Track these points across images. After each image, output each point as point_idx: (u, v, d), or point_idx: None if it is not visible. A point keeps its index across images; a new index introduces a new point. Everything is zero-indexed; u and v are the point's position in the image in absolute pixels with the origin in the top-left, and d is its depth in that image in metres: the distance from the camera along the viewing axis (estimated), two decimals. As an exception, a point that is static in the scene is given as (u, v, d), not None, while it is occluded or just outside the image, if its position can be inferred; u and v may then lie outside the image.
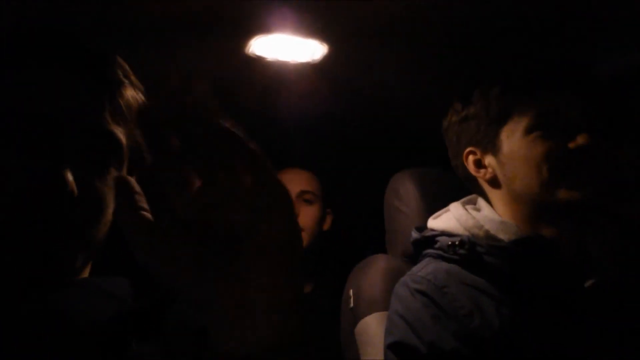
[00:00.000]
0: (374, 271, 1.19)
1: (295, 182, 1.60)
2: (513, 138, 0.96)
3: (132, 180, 0.40)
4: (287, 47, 1.11)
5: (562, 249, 0.93)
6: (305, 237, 1.54)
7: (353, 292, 1.20)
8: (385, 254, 1.27)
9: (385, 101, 1.42)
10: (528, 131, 0.94)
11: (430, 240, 1.02)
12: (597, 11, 1.02)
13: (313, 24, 1.04)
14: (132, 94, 0.70)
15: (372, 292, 1.15)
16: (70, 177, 0.59)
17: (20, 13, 0.91)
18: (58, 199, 0.59)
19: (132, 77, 0.72)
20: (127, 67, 0.72)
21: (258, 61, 1.16)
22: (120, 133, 0.67)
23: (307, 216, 1.59)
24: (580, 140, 0.91)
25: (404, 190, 1.25)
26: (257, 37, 1.07)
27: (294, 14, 1.00)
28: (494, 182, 1.01)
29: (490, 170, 1.01)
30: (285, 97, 1.34)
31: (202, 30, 1.04)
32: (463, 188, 1.10)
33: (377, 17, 1.03)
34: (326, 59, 1.16)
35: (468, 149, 1.03)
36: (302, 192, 1.60)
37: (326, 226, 1.67)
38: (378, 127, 1.58)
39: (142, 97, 0.72)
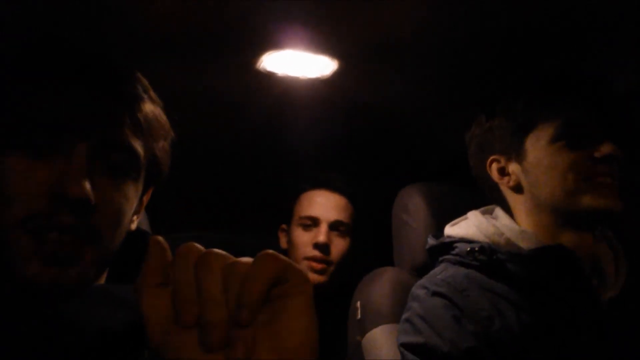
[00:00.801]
0: (382, 283, 1.20)
1: (330, 208, 1.49)
2: (538, 146, 0.97)
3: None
4: (298, 62, 1.14)
5: (582, 258, 0.94)
6: (332, 270, 1.46)
7: (360, 304, 1.20)
8: (392, 266, 1.28)
9: (394, 116, 1.43)
10: (553, 140, 0.96)
11: (447, 246, 1.03)
12: (611, 25, 1.04)
13: (323, 40, 1.06)
14: (151, 109, 0.72)
15: (380, 304, 1.16)
16: (88, 187, 0.61)
17: (43, 28, 0.94)
18: (76, 206, 0.60)
19: (151, 93, 0.74)
20: (146, 83, 0.74)
21: (269, 76, 1.18)
22: (138, 146, 0.68)
23: (338, 249, 1.47)
24: (605, 149, 0.92)
25: (412, 205, 1.25)
26: (269, 52, 1.09)
27: (305, 30, 1.03)
28: (518, 189, 1.02)
29: (514, 177, 1.02)
30: (295, 112, 1.35)
31: (215, 45, 1.06)
32: (471, 202, 1.11)
33: (386, 34, 1.05)
34: (336, 75, 1.18)
35: (492, 157, 1.05)
36: (337, 223, 1.48)
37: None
38: (386, 142, 1.59)
39: (161, 112, 0.75)
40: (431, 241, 1.07)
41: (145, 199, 0.78)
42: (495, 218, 1.04)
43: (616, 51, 1.13)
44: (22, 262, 0.60)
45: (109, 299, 0.66)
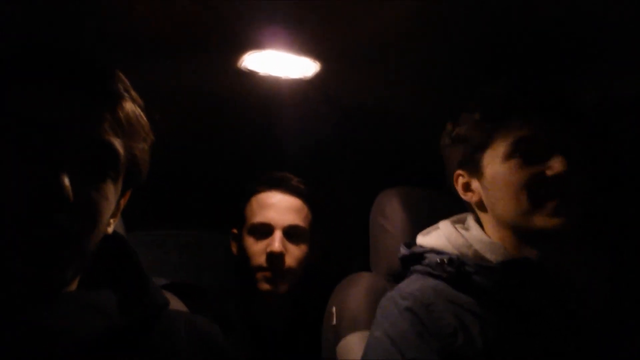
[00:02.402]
0: (357, 289, 1.19)
1: (284, 211, 1.38)
2: (494, 164, 0.97)
3: None
4: (280, 63, 1.12)
5: (548, 271, 0.95)
6: (290, 280, 1.37)
7: (336, 309, 1.20)
8: (369, 272, 1.28)
9: (375, 119, 1.43)
10: (507, 157, 0.95)
11: (418, 256, 1.03)
12: (584, 41, 1.05)
13: (306, 41, 1.05)
14: (132, 109, 0.71)
15: (355, 310, 1.15)
16: (67, 183, 0.60)
17: (26, 28, 0.91)
18: (53, 205, 0.59)
19: (132, 92, 0.73)
20: (127, 82, 0.73)
21: (250, 76, 1.16)
22: (118, 145, 0.67)
23: (294, 257, 1.37)
24: (557, 166, 0.91)
25: (390, 209, 1.25)
26: (250, 52, 1.07)
27: (287, 31, 1.02)
28: (480, 206, 1.02)
29: (477, 193, 1.02)
30: (276, 112, 1.34)
31: (196, 44, 1.04)
32: (449, 207, 1.11)
33: (368, 37, 1.04)
34: (318, 76, 1.18)
35: (457, 172, 1.05)
36: (293, 228, 1.38)
37: (314, 259, 1.45)
38: (366, 145, 1.59)
39: (141, 112, 0.73)
40: (403, 250, 1.07)
41: (123, 201, 0.77)
42: (467, 229, 1.04)
43: (586, 65, 1.14)
44: (1, 260, 0.58)
45: (85, 306, 0.65)
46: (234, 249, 1.48)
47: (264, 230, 1.37)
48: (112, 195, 0.68)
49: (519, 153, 0.94)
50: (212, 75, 1.17)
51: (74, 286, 0.69)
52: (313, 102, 1.31)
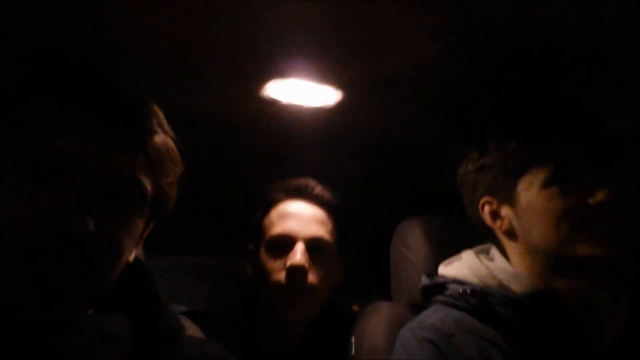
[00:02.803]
0: (377, 319, 1.18)
1: (307, 222, 1.23)
2: (530, 191, 0.95)
3: None
4: (302, 91, 1.14)
5: (576, 306, 0.92)
6: (308, 304, 1.19)
7: (355, 339, 1.17)
8: (390, 301, 1.26)
9: (397, 148, 1.43)
10: (546, 185, 0.93)
11: (440, 286, 1.01)
12: (613, 68, 1.04)
13: (328, 70, 1.06)
14: (164, 143, 0.71)
15: (375, 340, 1.13)
16: (89, 217, 0.59)
17: (58, 53, 0.94)
18: (75, 238, 0.59)
19: (165, 126, 0.73)
20: (161, 116, 0.73)
21: (272, 104, 1.17)
22: (146, 181, 0.67)
23: (315, 274, 1.19)
24: (600, 196, 0.90)
25: (412, 238, 1.24)
26: (273, 80, 1.09)
27: (309, 59, 1.03)
28: (510, 234, 1.00)
29: (506, 221, 1.00)
30: (297, 140, 1.35)
31: (219, 71, 1.06)
32: (472, 237, 1.09)
33: (390, 67, 1.05)
34: (340, 105, 1.18)
35: (484, 199, 1.03)
36: (317, 240, 1.22)
37: (339, 280, 1.29)
38: (388, 173, 1.58)
39: (173, 146, 0.73)
40: (424, 280, 1.06)
41: (146, 232, 0.77)
42: (491, 259, 1.02)
43: (616, 93, 1.13)
44: (13, 289, 0.58)
45: (97, 334, 0.64)
46: (249, 268, 1.30)
47: (284, 243, 1.19)
48: (135, 230, 0.68)
49: (559, 180, 0.92)
50: (234, 102, 1.18)
51: (89, 310, 0.69)
52: (335, 131, 1.31)
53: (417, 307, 1.11)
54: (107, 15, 0.87)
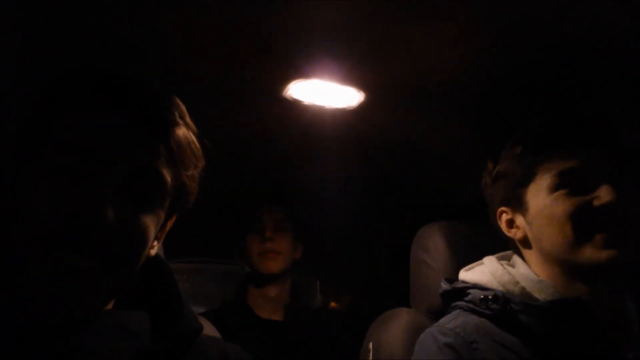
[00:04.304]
0: (396, 325, 1.16)
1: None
2: (538, 197, 0.94)
3: None
4: (324, 92, 1.13)
5: (601, 313, 0.89)
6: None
7: (373, 345, 1.16)
8: (408, 307, 1.24)
9: (418, 152, 1.42)
10: (552, 190, 0.92)
11: (461, 292, 0.99)
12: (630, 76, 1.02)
13: (350, 71, 1.06)
14: (185, 135, 0.71)
15: (393, 347, 1.12)
16: (111, 210, 0.60)
17: (84, 54, 0.96)
18: (96, 228, 0.59)
19: (187, 119, 0.73)
20: (183, 108, 0.73)
21: (295, 104, 1.17)
22: (167, 173, 0.67)
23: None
24: (604, 195, 0.87)
25: (432, 244, 1.22)
26: (295, 81, 1.09)
27: (332, 61, 1.03)
28: (525, 242, 0.99)
29: (521, 230, 0.99)
30: (319, 141, 1.35)
31: (242, 72, 1.07)
32: (493, 243, 1.07)
33: (412, 70, 1.05)
34: (362, 107, 1.18)
35: (501, 209, 1.02)
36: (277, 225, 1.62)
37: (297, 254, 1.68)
38: (408, 177, 1.57)
39: (194, 140, 0.73)
40: (444, 286, 1.04)
41: (168, 225, 0.77)
42: (513, 265, 1.00)
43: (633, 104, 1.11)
44: (36, 283, 0.58)
45: (118, 327, 0.65)
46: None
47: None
48: (157, 222, 0.68)
49: (563, 184, 0.91)
50: (257, 102, 1.19)
51: (110, 305, 0.69)
52: (356, 132, 1.31)
53: (436, 314, 1.09)
54: (130, 19, 0.88)
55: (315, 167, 1.46)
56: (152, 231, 0.67)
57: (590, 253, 0.88)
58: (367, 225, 1.53)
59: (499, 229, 1.04)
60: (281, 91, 1.13)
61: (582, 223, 0.89)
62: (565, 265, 0.92)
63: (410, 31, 0.93)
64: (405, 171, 1.53)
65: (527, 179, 0.96)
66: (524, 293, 0.92)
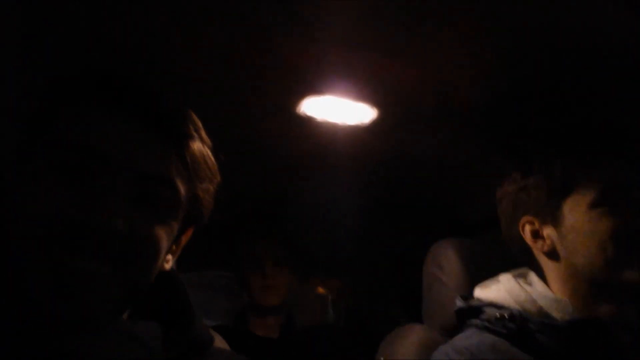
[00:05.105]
0: (408, 342, 1.15)
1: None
2: (576, 211, 0.92)
3: None
4: (337, 109, 1.13)
5: (621, 334, 0.88)
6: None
7: (385, 361, 1.15)
8: (421, 323, 1.23)
9: (431, 168, 1.42)
10: (593, 206, 0.91)
11: (476, 310, 0.98)
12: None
13: (363, 88, 1.06)
14: (199, 148, 0.71)
15: (406, 364, 1.10)
16: (120, 216, 0.59)
17: (104, 62, 0.97)
18: (104, 235, 0.59)
19: (202, 133, 0.73)
20: (198, 123, 0.73)
21: (308, 121, 1.18)
22: (180, 184, 0.67)
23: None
24: None
25: (446, 260, 1.21)
26: (309, 97, 1.09)
27: (346, 77, 1.03)
28: (552, 254, 0.97)
29: (549, 242, 0.97)
30: (332, 157, 1.35)
31: (256, 87, 1.07)
32: (508, 261, 1.06)
33: (426, 85, 1.05)
34: (375, 123, 1.18)
35: (525, 219, 1.00)
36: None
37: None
38: (421, 194, 1.56)
39: (209, 154, 0.74)
40: (459, 303, 1.02)
41: (184, 239, 0.76)
42: (530, 283, 0.98)
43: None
44: (37, 287, 0.58)
45: (133, 338, 0.64)
46: None
47: None
48: (169, 232, 0.68)
49: (607, 202, 0.90)
50: (270, 118, 1.19)
51: (124, 316, 0.68)
52: (369, 149, 1.31)
53: (450, 331, 1.08)
54: (149, 30, 0.89)
55: (326, 183, 1.46)
56: (163, 240, 0.66)
57: (630, 275, 0.87)
58: (378, 241, 1.53)
59: (515, 239, 1.02)
60: (294, 107, 1.13)
61: (624, 243, 0.88)
62: (596, 284, 0.91)
63: (424, 48, 0.93)
64: (418, 187, 1.53)
65: (565, 191, 0.94)
66: (542, 312, 0.91)
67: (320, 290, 1.77)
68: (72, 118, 0.65)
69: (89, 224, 0.58)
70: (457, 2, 0.83)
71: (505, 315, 0.91)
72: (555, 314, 0.90)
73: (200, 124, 0.74)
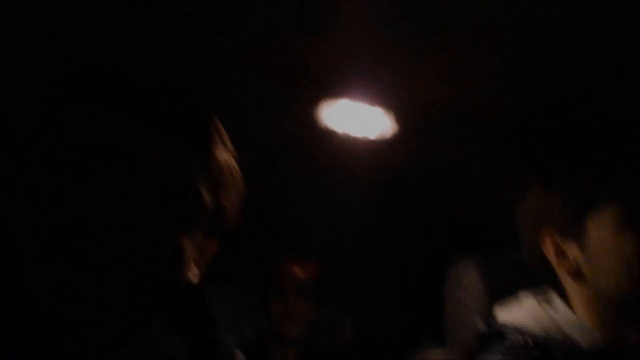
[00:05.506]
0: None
1: None
2: (603, 230, 0.87)
3: None
4: (357, 119, 1.12)
5: None
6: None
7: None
8: (442, 347, 1.18)
9: (452, 183, 1.39)
10: (621, 225, 0.86)
11: (498, 334, 0.93)
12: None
13: (384, 98, 1.05)
14: (224, 157, 0.70)
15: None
16: (142, 217, 0.58)
17: (134, 67, 0.98)
18: (124, 236, 0.57)
19: (227, 142, 0.72)
20: (222, 130, 0.72)
21: (327, 132, 1.17)
22: (205, 192, 0.65)
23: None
24: None
25: (467, 280, 1.17)
26: (328, 105, 1.08)
27: (366, 86, 1.02)
28: (576, 274, 0.91)
29: (572, 260, 0.91)
30: (351, 168, 1.33)
31: (276, 93, 1.06)
32: (529, 278, 1.01)
33: (448, 97, 1.03)
34: (396, 135, 1.16)
35: (547, 235, 0.95)
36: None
37: None
38: (441, 209, 1.53)
39: (235, 164, 0.72)
40: (481, 326, 0.97)
41: (210, 251, 0.74)
42: (553, 305, 0.93)
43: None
44: (57, 292, 0.55)
45: (157, 352, 0.63)
46: None
47: None
48: (194, 241, 0.65)
49: (635, 220, 0.85)
50: (290, 127, 1.18)
51: (148, 328, 0.66)
52: (385, 158, 1.29)
53: (472, 354, 1.03)
54: (171, 36, 0.90)
55: (345, 193, 1.44)
56: (188, 249, 0.64)
57: None
58: (396, 255, 1.50)
59: (536, 256, 0.96)
60: (314, 116, 1.12)
61: None
62: (623, 307, 0.85)
63: (445, 57, 0.91)
64: (438, 202, 1.50)
65: (590, 209, 0.89)
66: (567, 338, 0.86)
67: (299, 273, 1.71)
68: (94, 118, 0.63)
69: (112, 227, 0.56)
70: (478, 12, 0.81)
71: (530, 342, 0.86)
72: (581, 340, 0.85)
73: (225, 132, 0.72)
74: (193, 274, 0.69)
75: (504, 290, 1.04)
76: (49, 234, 0.57)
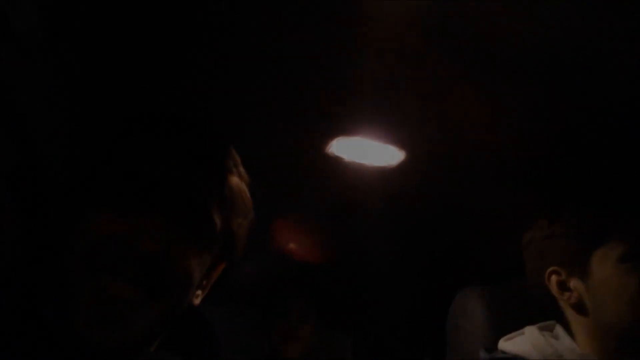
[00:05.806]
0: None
1: None
2: (606, 264, 0.90)
3: None
4: (366, 150, 1.15)
5: None
6: None
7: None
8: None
9: (457, 212, 1.40)
10: (624, 259, 0.88)
11: None
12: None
13: (391, 130, 1.07)
14: (237, 184, 0.72)
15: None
16: (162, 244, 0.60)
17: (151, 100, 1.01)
18: (146, 261, 0.59)
19: (240, 168, 0.75)
20: (237, 159, 0.75)
21: (337, 161, 1.19)
22: (217, 217, 0.67)
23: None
24: None
25: (470, 309, 1.18)
26: (338, 138, 1.11)
27: (374, 119, 1.05)
28: (579, 308, 0.94)
29: (575, 294, 0.94)
30: (359, 198, 1.35)
31: (286, 126, 1.09)
32: (534, 309, 1.03)
33: (454, 128, 1.05)
34: (403, 165, 1.18)
35: (552, 268, 0.97)
36: None
37: None
38: (447, 239, 1.54)
39: (246, 190, 0.75)
40: (483, 355, 0.99)
41: (215, 274, 0.75)
42: (556, 337, 0.95)
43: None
44: (78, 310, 0.58)
45: None
46: None
47: None
48: (202, 264, 0.68)
49: (637, 254, 0.88)
50: (299, 157, 1.21)
51: (152, 348, 0.68)
52: (396, 191, 1.30)
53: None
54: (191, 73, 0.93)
55: (354, 223, 1.45)
56: (196, 271, 0.66)
57: None
58: (400, 281, 1.50)
59: (541, 289, 0.99)
60: (324, 147, 1.14)
61: None
62: (625, 340, 0.87)
63: (452, 93, 0.94)
64: (443, 232, 1.51)
65: (594, 244, 0.92)
66: None
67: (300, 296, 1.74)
68: (128, 151, 0.67)
69: (133, 250, 0.59)
70: (486, 49, 0.84)
71: None
72: None
73: (239, 160, 0.75)
74: (196, 295, 0.70)
75: (508, 320, 1.06)
76: (82, 258, 0.59)
